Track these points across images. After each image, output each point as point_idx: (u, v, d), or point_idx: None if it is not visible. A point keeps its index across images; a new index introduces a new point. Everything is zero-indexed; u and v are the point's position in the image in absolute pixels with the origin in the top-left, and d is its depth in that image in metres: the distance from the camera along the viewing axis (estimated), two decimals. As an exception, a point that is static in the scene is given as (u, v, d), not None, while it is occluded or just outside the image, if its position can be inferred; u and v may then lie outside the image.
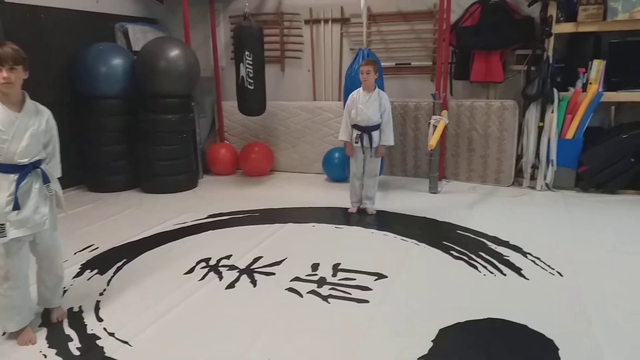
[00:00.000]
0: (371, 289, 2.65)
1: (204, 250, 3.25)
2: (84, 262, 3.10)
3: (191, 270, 2.95)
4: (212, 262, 3.05)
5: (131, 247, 3.33)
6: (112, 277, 2.90)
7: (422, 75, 5.11)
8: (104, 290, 2.72)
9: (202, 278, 2.84)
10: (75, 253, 3.22)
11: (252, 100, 4.73)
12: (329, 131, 5.30)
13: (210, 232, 3.64)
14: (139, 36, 5.33)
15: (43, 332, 2.31)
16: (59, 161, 2.31)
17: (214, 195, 4.71)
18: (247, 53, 4.57)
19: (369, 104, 3.69)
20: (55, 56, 4.61)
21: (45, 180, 2.19)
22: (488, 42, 4.55)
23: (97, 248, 3.32)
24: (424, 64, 5.06)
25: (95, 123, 4.69)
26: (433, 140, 4.08)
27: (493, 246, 3.22)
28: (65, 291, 2.56)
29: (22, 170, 2.10)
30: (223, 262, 3.06)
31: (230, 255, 3.14)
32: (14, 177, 2.08)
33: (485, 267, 2.91)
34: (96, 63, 4.62)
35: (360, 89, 3.75)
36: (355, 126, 3.77)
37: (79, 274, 2.93)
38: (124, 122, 4.76)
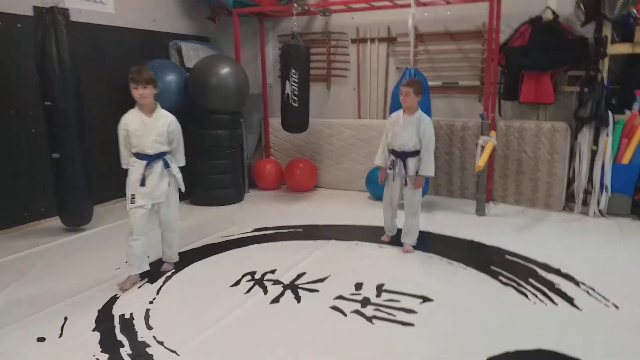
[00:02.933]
0: (416, 312, 2.62)
1: (250, 263, 3.31)
2: (135, 270, 3.22)
3: (237, 283, 3.00)
4: (257, 276, 3.10)
5: (180, 258, 3.43)
6: (162, 286, 2.99)
7: (469, 95, 5.05)
8: (154, 299, 2.81)
9: (248, 291, 2.89)
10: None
11: (296, 118, 4.80)
12: (373, 149, 5.29)
13: (255, 245, 3.70)
14: (192, 53, 5.54)
15: (96, 336, 2.41)
16: (183, 154, 3.13)
17: (259, 209, 4.79)
18: (293, 71, 4.66)
19: (407, 127, 3.37)
20: (114, 72, 4.84)
21: (166, 165, 3.00)
22: (538, 62, 4.47)
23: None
24: (472, 83, 5.01)
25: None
26: (481, 161, 4.02)
27: (543, 273, 3.12)
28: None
29: (149, 158, 2.93)
30: (268, 276, 3.10)
31: (275, 270, 3.18)
32: (144, 162, 2.92)
33: (535, 295, 2.82)
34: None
35: (401, 110, 3.47)
36: (391, 151, 3.48)
37: (130, 282, 3.05)
38: (175, 136, 4.94)
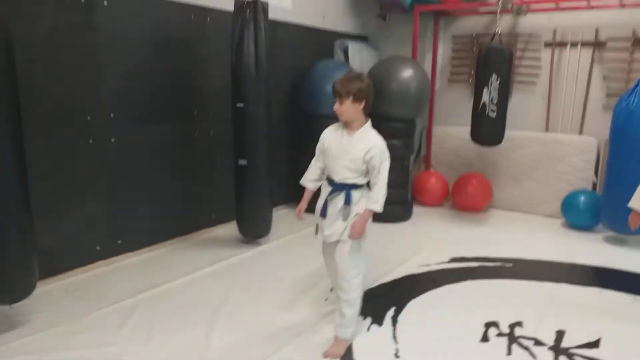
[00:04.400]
0: None
1: (480, 309, 2.72)
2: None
3: (485, 339, 2.43)
4: (503, 329, 2.51)
5: (388, 290, 2.94)
6: (394, 330, 2.49)
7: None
8: (397, 350, 2.30)
9: (509, 354, 2.31)
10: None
11: (492, 130, 4.17)
12: (566, 169, 4.54)
13: (468, 282, 3.12)
14: (356, 54, 5.09)
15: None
16: (379, 195, 2.20)
17: (433, 231, 4.22)
18: (494, 77, 4.03)
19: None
20: (285, 72, 4.51)
21: (347, 201, 2.22)
22: None
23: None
24: None
25: (316, 141, 4.47)
26: None
27: None
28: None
29: (333, 187, 2.27)
30: (518, 330, 2.50)
31: (521, 322, 2.58)
32: (328, 190, 2.29)
33: None
34: (322, 81, 4.41)
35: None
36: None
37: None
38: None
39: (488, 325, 2.55)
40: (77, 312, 2.58)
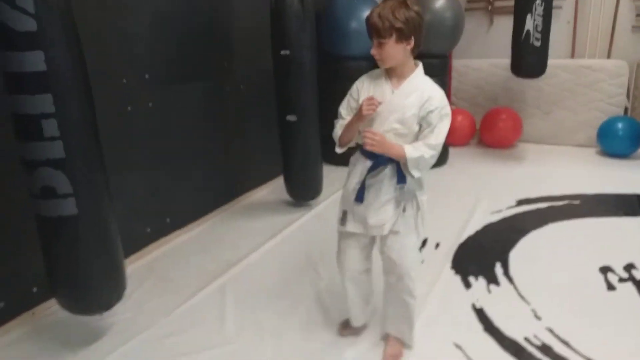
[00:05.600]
0: None
1: (583, 253, 2.62)
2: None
3: (611, 287, 2.32)
4: (621, 273, 2.41)
5: (479, 244, 2.77)
6: (516, 288, 2.32)
7: None
8: (534, 311, 2.15)
9: (645, 299, 2.22)
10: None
11: (536, 60, 3.94)
12: (597, 95, 4.45)
13: (550, 225, 2.99)
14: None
15: None
16: (429, 156, 1.60)
17: (478, 173, 4.06)
18: (538, 2, 3.75)
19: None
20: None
21: (400, 180, 1.67)
22: None
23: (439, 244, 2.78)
24: None
25: (341, 88, 4.10)
26: None
27: None
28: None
29: (376, 160, 1.68)
30: (635, 273, 2.41)
31: (633, 264, 2.49)
32: (367, 163, 1.70)
33: None
34: (346, 17, 3.99)
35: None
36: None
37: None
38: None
39: (604, 270, 2.45)
40: (160, 309, 2.24)
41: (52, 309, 2.23)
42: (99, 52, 2.31)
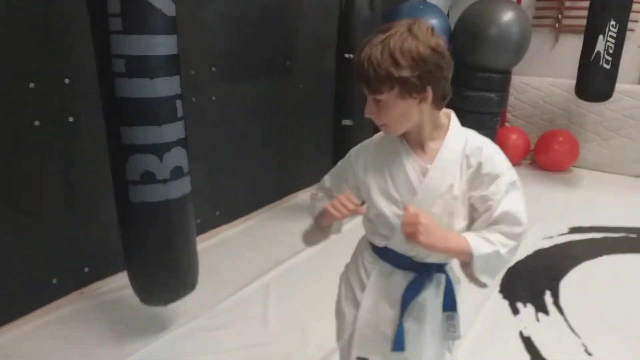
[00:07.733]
0: None
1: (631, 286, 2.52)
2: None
3: (669, 330, 2.22)
4: (680, 318, 2.31)
5: (529, 269, 2.70)
6: (566, 320, 2.25)
7: None
8: (585, 346, 2.08)
9: None
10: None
11: (605, 82, 3.79)
12: (663, 126, 4.26)
13: (605, 257, 2.89)
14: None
15: None
16: (504, 261, 1.05)
17: (531, 194, 3.80)
18: (612, 23, 3.61)
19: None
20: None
21: (448, 303, 1.10)
22: None
23: None
24: None
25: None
26: None
27: None
28: None
29: (419, 270, 1.09)
30: (697, 320, 2.30)
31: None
32: (401, 278, 1.10)
33: None
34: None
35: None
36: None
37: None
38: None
39: (663, 311, 2.34)
40: (208, 300, 2.28)
41: (99, 290, 2.32)
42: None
